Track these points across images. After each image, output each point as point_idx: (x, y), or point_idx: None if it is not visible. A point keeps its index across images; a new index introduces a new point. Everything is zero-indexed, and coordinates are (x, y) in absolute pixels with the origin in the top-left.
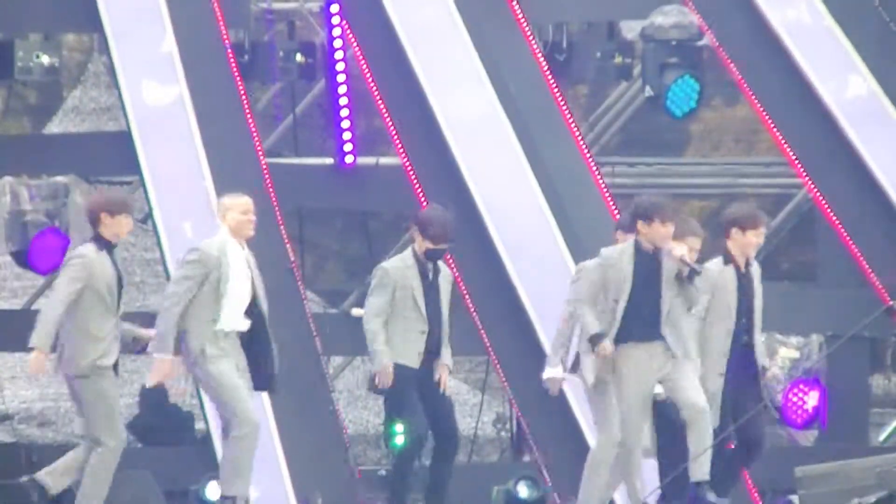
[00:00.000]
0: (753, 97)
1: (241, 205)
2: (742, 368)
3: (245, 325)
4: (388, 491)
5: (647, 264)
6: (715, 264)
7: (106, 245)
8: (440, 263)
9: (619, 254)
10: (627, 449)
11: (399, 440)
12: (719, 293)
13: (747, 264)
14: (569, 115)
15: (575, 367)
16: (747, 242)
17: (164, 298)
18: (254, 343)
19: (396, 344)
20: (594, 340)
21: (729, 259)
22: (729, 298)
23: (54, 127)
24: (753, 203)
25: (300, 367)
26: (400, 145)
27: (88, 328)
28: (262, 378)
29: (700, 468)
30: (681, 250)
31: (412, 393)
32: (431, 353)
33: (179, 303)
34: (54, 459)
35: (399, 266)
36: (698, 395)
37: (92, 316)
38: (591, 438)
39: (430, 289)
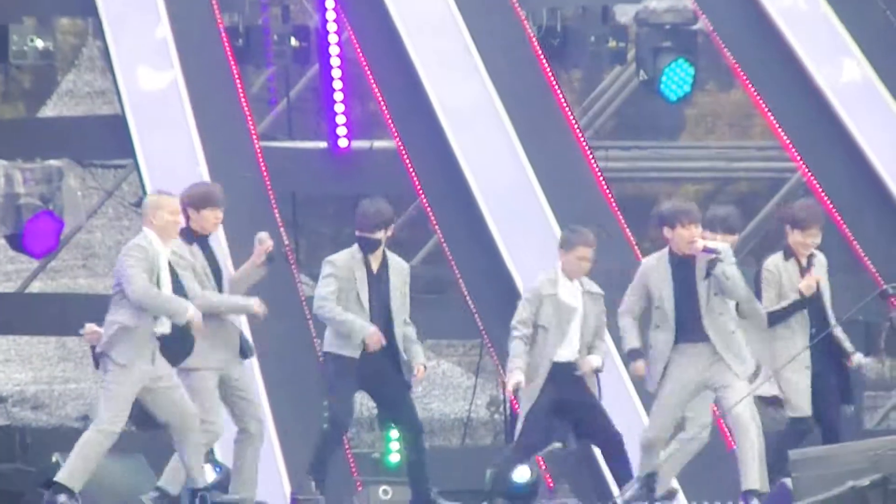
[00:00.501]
0: (748, 81)
1: (171, 204)
2: (821, 360)
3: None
4: (310, 473)
5: (683, 268)
6: (773, 261)
7: (194, 238)
8: (391, 255)
9: (657, 261)
10: (650, 441)
11: (394, 458)
12: (785, 289)
13: (810, 257)
14: (563, 100)
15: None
16: (796, 241)
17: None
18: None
19: (340, 335)
20: (630, 356)
21: (790, 253)
22: (794, 293)
23: (49, 111)
24: (812, 201)
25: (293, 349)
26: (394, 129)
27: None
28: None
29: (748, 478)
30: (702, 242)
31: (349, 381)
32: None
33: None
34: (48, 442)
35: (346, 257)
36: (744, 408)
37: None
38: None
39: (376, 281)
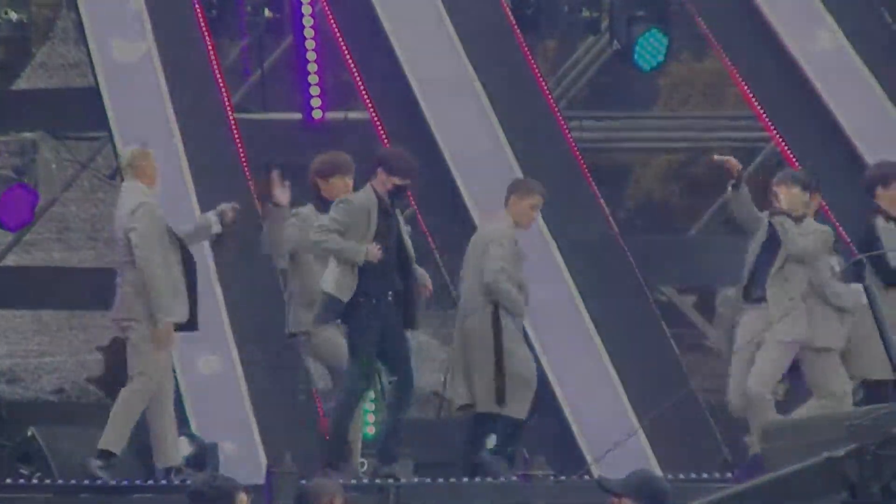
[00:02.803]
0: (721, 51)
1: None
2: None
3: None
4: (330, 458)
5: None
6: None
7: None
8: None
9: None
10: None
11: (371, 430)
12: None
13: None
14: (537, 70)
15: None
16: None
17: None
18: None
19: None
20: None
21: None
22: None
23: (23, 83)
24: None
25: (270, 322)
26: (368, 100)
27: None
28: None
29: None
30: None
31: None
32: None
33: None
34: (23, 416)
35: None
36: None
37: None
38: (560, 392)
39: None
